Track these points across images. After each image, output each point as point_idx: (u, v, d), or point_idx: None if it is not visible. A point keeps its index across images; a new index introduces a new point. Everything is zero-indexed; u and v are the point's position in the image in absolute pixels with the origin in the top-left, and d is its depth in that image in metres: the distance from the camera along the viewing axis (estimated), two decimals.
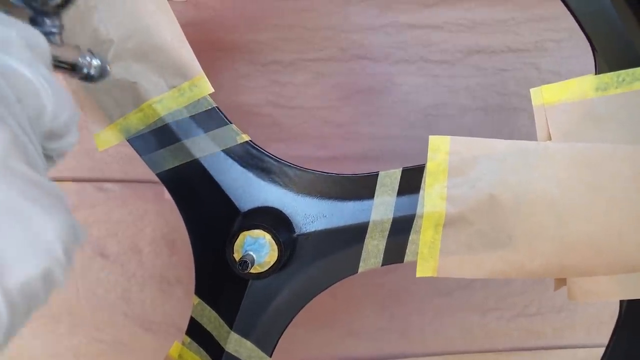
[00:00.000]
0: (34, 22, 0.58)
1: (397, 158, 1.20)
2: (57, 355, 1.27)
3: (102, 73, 0.63)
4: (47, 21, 0.58)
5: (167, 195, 1.21)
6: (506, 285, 1.27)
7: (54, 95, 0.44)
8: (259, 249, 0.77)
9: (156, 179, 1.18)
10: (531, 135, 1.16)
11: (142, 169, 1.22)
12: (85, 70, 0.62)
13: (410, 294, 1.28)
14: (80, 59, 0.61)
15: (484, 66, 1.19)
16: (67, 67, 0.60)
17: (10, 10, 0.65)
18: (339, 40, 1.18)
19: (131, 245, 1.25)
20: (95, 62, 0.62)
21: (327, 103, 1.20)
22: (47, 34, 0.58)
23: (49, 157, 0.48)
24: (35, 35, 0.46)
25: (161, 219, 1.24)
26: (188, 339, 0.87)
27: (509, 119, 1.20)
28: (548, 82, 1.13)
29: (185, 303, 1.26)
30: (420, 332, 1.30)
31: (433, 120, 1.20)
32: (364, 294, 1.27)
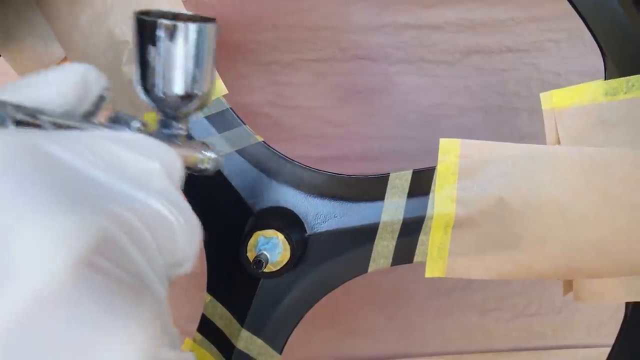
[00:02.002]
0: (162, 124, 0.59)
1: (397, 158, 1.21)
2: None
3: (217, 165, 0.64)
4: (175, 124, 0.60)
5: None
6: (506, 285, 1.28)
7: (187, 231, 0.43)
8: (272, 248, 0.78)
9: None
10: (531, 135, 1.17)
11: None
12: (200, 166, 0.63)
13: (410, 294, 1.28)
14: (198, 155, 0.62)
15: (484, 66, 1.19)
16: (186, 166, 0.58)
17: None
18: (339, 40, 1.18)
19: None
20: (210, 154, 0.63)
21: (327, 103, 1.20)
22: (173, 137, 0.59)
23: (169, 280, 0.46)
24: (174, 160, 0.46)
25: None
26: (199, 336, 0.87)
27: (509, 119, 1.20)
28: (548, 83, 1.14)
29: (186, 303, 1.26)
30: (419, 332, 1.30)
31: (433, 120, 1.20)
32: (364, 293, 1.27)
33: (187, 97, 0.57)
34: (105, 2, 0.77)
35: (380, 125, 1.21)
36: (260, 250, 0.78)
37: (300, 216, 0.81)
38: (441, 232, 0.78)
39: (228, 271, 0.84)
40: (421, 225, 0.78)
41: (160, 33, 0.54)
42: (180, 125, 0.60)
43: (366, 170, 1.08)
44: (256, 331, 0.84)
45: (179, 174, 0.46)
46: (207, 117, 0.81)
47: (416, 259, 0.80)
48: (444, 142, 0.77)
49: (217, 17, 1.07)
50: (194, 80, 0.57)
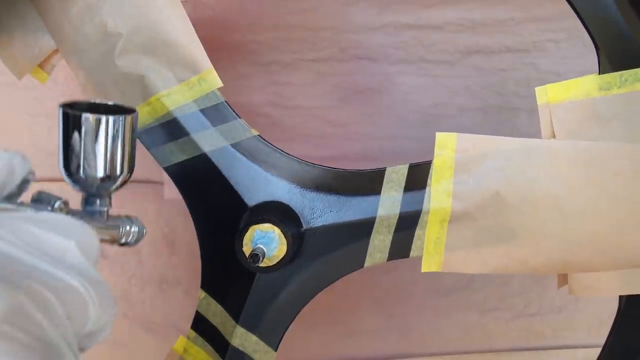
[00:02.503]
0: (86, 202, 0.63)
1: (397, 158, 1.20)
2: None
3: (139, 238, 0.68)
4: (99, 202, 0.64)
5: (166, 195, 1.21)
6: (506, 285, 1.27)
7: (99, 302, 0.46)
8: (268, 242, 0.77)
9: (156, 179, 1.19)
10: (530, 135, 1.16)
11: (142, 169, 1.21)
12: (123, 240, 0.66)
13: (410, 293, 1.28)
14: (121, 228, 0.65)
15: (484, 66, 1.19)
16: (108, 240, 0.64)
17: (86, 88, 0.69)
18: (339, 40, 1.18)
19: None
20: (134, 229, 0.67)
21: (327, 103, 1.20)
22: (95, 213, 0.63)
23: (82, 349, 0.49)
24: (90, 237, 0.49)
25: (161, 219, 1.24)
26: (193, 334, 0.87)
27: (509, 119, 1.20)
28: (547, 82, 1.14)
29: (186, 303, 1.26)
30: (419, 332, 1.30)
31: (433, 120, 1.20)
32: (363, 293, 1.27)
33: (107, 178, 0.62)
34: None
35: (380, 125, 1.21)
36: (256, 244, 0.78)
37: (296, 210, 0.81)
38: (437, 227, 0.77)
39: (223, 267, 0.84)
40: (417, 220, 0.78)
41: (84, 125, 0.60)
42: (102, 202, 0.64)
43: None
44: (251, 328, 0.83)
45: (95, 249, 0.49)
46: (202, 111, 0.81)
47: (412, 253, 0.79)
48: (440, 136, 0.77)
49: (217, 16, 1.08)
50: (114, 163, 0.63)
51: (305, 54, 1.18)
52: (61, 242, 0.45)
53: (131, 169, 0.66)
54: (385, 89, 1.20)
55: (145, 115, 0.81)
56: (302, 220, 0.81)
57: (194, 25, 0.81)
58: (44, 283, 0.42)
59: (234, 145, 0.81)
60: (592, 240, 0.75)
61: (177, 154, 0.82)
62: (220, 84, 0.80)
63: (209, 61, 0.80)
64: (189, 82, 0.80)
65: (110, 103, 0.64)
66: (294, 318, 0.84)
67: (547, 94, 0.77)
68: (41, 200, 0.54)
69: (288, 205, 0.81)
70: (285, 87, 1.19)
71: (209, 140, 0.81)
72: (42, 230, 0.45)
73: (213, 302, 0.85)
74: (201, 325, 0.87)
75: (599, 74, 0.75)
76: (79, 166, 0.61)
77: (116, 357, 1.29)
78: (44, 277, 0.42)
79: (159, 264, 1.25)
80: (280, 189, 0.81)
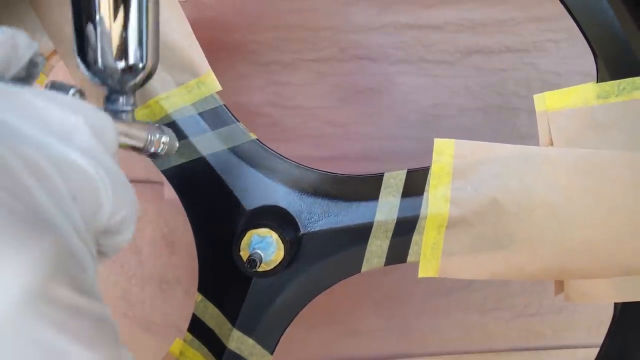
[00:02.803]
0: (108, 100, 0.59)
1: (397, 158, 1.21)
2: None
3: (170, 150, 0.64)
4: (121, 99, 0.59)
5: (166, 195, 1.21)
6: (506, 285, 1.27)
7: (113, 190, 0.42)
8: (266, 247, 0.77)
9: (156, 179, 1.19)
10: (530, 135, 1.17)
11: (142, 169, 1.22)
12: (152, 149, 0.62)
13: (410, 294, 1.28)
14: (150, 136, 0.61)
15: (484, 66, 1.19)
16: (133, 147, 0.60)
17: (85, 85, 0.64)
18: (339, 40, 1.18)
19: (131, 246, 1.25)
20: (165, 138, 0.63)
21: (327, 103, 1.20)
22: (120, 112, 0.59)
23: (102, 253, 0.46)
24: (103, 120, 0.45)
25: (161, 219, 1.24)
26: (190, 336, 0.87)
27: (508, 119, 1.20)
28: (547, 83, 1.14)
29: (185, 303, 1.26)
30: (419, 332, 1.30)
31: (433, 120, 1.20)
32: (363, 294, 1.27)
33: (130, 69, 0.57)
34: None
35: (380, 125, 1.21)
36: (254, 249, 0.78)
37: (294, 215, 0.81)
38: (435, 232, 0.77)
39: (219, 270, 0.84)
40: (415, 225, 0.78)
41: (99, 5, 0.54)
42: (127, 101, 0.59)
43: (366, 170, 1.08)
44: (248, 331, 0.84)
45: (111, 137, 0.45)
46: (200, 114, 0.81)
47: (410, 258, 0.79)
48: (438, 143, 0.77)
49: (217, 17, 1.08)
50: (136, 52, 0.57)
51: (305, 54, 1.18)
52: (69, 117, 0.41)
53: (156, 61, 0.61)
54: (385, 89, 1.20)
55: (143, 118, 0.81)
56: (299, 224, 0.81)
57: (194, 25, 0.81)
58: (44, 154, 0.37)
59: (232, 149, 0.81)
60: (588, 248, 0.75)
61: (176, 157, 0.82)
62: (219, 87, 0.80)
63: (208, 65, 0.80)
64: (187, 85, 0.80)
65: None
66: (291, 322, 0.84)
67: (546, 102, 0.77)
68: (56, 87, 0.47)
69: (286, 210, 0.81)
70: (285, 87, 1.19)
71: (208, 144, 0.81)
72: (47, 103, 0.40)
73: (210, 305, 0.85)
74: (198, 327, 0.87)
75: (597, 81, 0.76)
76: (95, 55, 0.55)
77: None
78: (44, 149, 0.38)
79: (159, 264, 1.25)
80: (279, 194, 0.81)
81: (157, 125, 0.63)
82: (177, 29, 0.79)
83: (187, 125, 0.81)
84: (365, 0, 1.16)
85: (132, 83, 0.59)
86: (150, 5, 0.57)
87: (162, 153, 0.63)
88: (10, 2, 0.82)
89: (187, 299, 1.26)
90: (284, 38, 1.17)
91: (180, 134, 0.80)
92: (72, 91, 0.48)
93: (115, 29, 0.55)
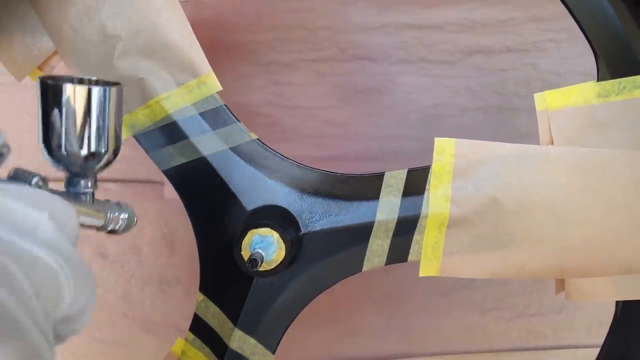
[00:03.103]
0: (69, 183, 0.60)
1: (397, 158, 1.20)
2: (56, 355, 1.26)
3: (129, 226, 0.65)
4: (83, 182, 0.61)
5: (166, 195, 1.21)
6: (506, 285, 1.27)
7: (75, 282, 0.43)
8: (267, 247, 0.77)
9: (156, 179, 1.19)
10: (530, 135, 1.17)
11: (142, 169, 1.22)
12: (111, 227, 0.63)
13: (410, 293, 1.28)
14: (109, 214, 0.62)
15: (484, 66, 1.19)
16: (93, 226, 0.61)
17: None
18: (339, 40, 1.18)
19: (131, 246, 1.25)
20: (123, 215, 0.64)
21: (327, 103, 1.20)
22: (80, 195, 0.60)
23: (59, 338, 0.45)
24: (66, 212, 0.46)
25: (161, 219, 1.24)
26: (191, 336, 0.87)
27: (509, 119, 1.20)
28: (548, 83, 1.14)
29: (185, 303, 1.26)
30: (419, 332, 1.30)
31: (433, 120, 1.20)
32: (364, 293, 1.27)
33: (91, 156, 0.59)
34: None
35: (380, 125, 1.21)
36: (254, 248, 0.78)
37: (295, 214, 0.81)
38: (435, 232, 0.77)
39: (221, 270, 0.84)
40: (416, 224, 0.78)
41: (65, 96, 0.56)
42: (88, 183, 0.61)
43: (366, 170, 1.07)
44: (249, 331, 0.84)
45: (73, 227, 0.46)
46: (201, 114, 0.81)
47: (410, 258, 0.79)
48: (439, 142, 0.77)
49: (216, 17, 1.08)
50: (98, 139, 0.59)
51: (305, 54, 1.18)
52: (33, 214, 0.42)
53: (117, 147, 0.63)
54: (386, 89, 1.20)
55: (144, 119, 0.81)
56: (300, 224, 0.81)
57: (194, 25, 0.81)
58: (8, 254, 0.38)
59: (233, 149, 0.81)
60: (588, 246, 0.75)
61: (176, 157, 0.82)
62: (219, 87, 0.80)
63: (208, 65, 0.80)
64: (188, 85, 0.80)
65: (93, 78, 0.61)
66: (292, 321, 0.85)
67: (546, 101, 0.77)
68: (18, 177, 0.50)
69: (287, 210, 0.81)
70: (285, 87, 1.19)
71: (208, 144, 0.81)
72: (12, 201, 0.41)
73: (211, 304, 0.85)
74: (199, 327, 0.87)
75: (598, 80, 0.76)
76: (60, 142, 0.58)
77: (116, 357, 1.29)
78: (9, 248, 0.39)
79: (159, 264, 1.25)
80: (279, 193, 0.82)
81: (115, 202, 0.64)
82: (177, 29, 0.79)
83: (187, 125, 0.81)
84: (365, 0, 1.16)
85: (94, 168, 0.61)
86: (112, 93, 0.60)
87: (120, 230, 0.65)
88: (10, 2, 0.82)
89: (187, 299, 1.26)
90: (283, 38, 1.17)
91: (181, 134, 0.81)
92: (34, 180, 0.50)
93: (79, 118, 0.57)
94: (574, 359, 1.30)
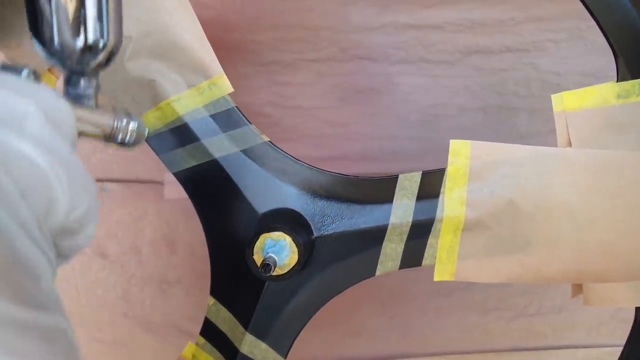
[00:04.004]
0: (68, 82, 0.55)
1: (398, 158, 1.20)
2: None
3: (139, 138, 0.60)
4: (83, 82, 0.55)
5: (166, 195, 1.20)
6: (506, 285, 1.27)
7: (71, 184, 0.39)
8: (279, 251, 0.77)
9: (156, 179, 1.19)
10: (530, 135, 1.17)
11: (142, 169, 1.22)
12: (119, 137, 0.58)
13: (411, 294, 1.28)
14: (116, 122, 0.57)
15: (484, 66, 1.19)
16: (97, 135, 0.56)
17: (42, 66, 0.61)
18: (339, 40, 1.18)
19: (131, 246, 1.24)
20: (133, 125, 0.58)
21: (327, 103, 1.20)
22: (81, 97, 0.55)
23: (62, 255, 0.43)
24: (58, 105, 0.42)
25: (161, 219, 1.24)
26: (202, 340, 0.87)
27: (508, 119, 1.20)
28: (547, 83, 1.14)
29: (185, 303, 1.26)
30: (420, 332, 1.30)
31: (433, 120, 1.20)
32: (364, 293, 1.27)
33: (89, 49, 0.53)
34: None
35: (380, 125, 1.20)
36: (267, 252, 0.77)
37: (307, 218, 0.81)
38: (450, 235, 0.77)
39: (233, 274, 0.84)
40: (430, 228, 0.77)
41: None
42: (89, 83, 0.55)
43: (367, 170, 1.08)
44: (260, 335, 0.83)
45: (68, 123, 0.42)
46: (212, 116, 0.80)
47: (425, 262, 0.79)
48: (454, 144, 0.76)
49: (216, 16, 1.07)
50: (95, 29, 0.53)
51: (305, 54, 1.18)
52: (19, 103, 0.38)
53: (118, 40, 0.57)
54: (386, 89, 1.19)
55: (154, 120, 0.80)
56: (313, 227, 0.80)
57: None
58: None
59: (244, 152, 0.81)
60: (606, 250, 0.75)
61: (187, 160, 0.81)
62: (231, 89, 0.80)
63: (219, 66, 0.80)
64: (199, 87, 0.79)
65: None
66: (304, 326, 0.84)
67: (564, 102, 0.76)
68: (7, 68, 0.44)
69: (299, 213, 0.81)
70: (286, 87, 1.19)
71: (220, 146, 0.80)
72: None
73: (222, 308, 0.85)
74: (210, 331, 0.86)
75: (617, 81, 0.75)
76: (51, 33, 0.51)
77: (116, 357, 1.28)
78: None
79: (159, 264, 1.25)
80: (291, 196, 0.81)
81: (124, 110, 0.59)
82: (188, 30, 0.79)
83: (198, 127, 0.80)
84: (365, 0, 1.15)
85: (93, 63, 0.55)
86: None
87: (131, 141, 0.59)
88: (20, 4, 0.82)
89: (188, 299, 1.26)
90: (284, 38, 1.17)
91: (192, 136, 0.80)
92: (25, 72, 0.45)
93: (72, 2, 0.52)
94: (574, 359, 1.30)
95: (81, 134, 0.52)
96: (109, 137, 0.57)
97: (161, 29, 0.77)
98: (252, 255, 0.78)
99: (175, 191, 1.20)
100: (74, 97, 0.55)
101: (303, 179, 0.81)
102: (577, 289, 0.82)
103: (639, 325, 0.83)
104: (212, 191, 0.82)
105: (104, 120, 0.56)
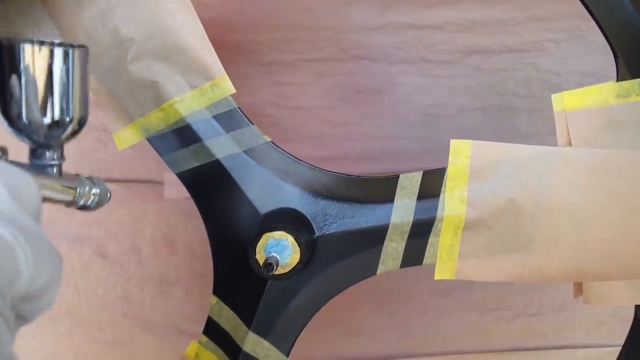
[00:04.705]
0: (34, 154, 0.57)
1: (398, 158, 1.20)
2: (56, 356, 1.26)
3: (102, 201, 0.62)
4: (48, 154, 0.57)
5: (166, 195, 1.21)
6: (506, 285, 1.28)
7: (34, 255, 0.40)
8: (281, 250, 0.77)
9: (156, 179, 1.19)
10: (530, 135, 1.17)
11: (142, 169, 1.22)
12: (81, 203, 0.60)
13: (410, 293, 1.28)
14: (79, 189, 0.59)
15: (484, 66, 1.19)
16: (62, 201, 0.58)
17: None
18: (339, 40, 1.18)
19: (131, 246, 1.24)
20: (95, 190, 0.61)
21: (328, 103, 1.20)
22: (45, 167, 0.57)
23: (23, 317, 0.43)
24: (23, 181, 0.43)
25: (161, 219, 1.24)
26: (205, 338, 0.87)
27: (508, 118, 1.20)
28: (547, 82, 1.15)
29: (185, 303, 1.26)
30: (419, 331, 1.30)
31: (433, 120, 1.20)
32: (364, 293, 1.27)
33: (55, 124, 0.55)
34: (109, 0, 0.77)
35: (380, 125, 1.21)
36: (269, 252, 0.77)
37: (309, 217, 0.81)
38: (451, 234, 0.77)
39: (235, 273, 0.84)
40: (431, 227, 0.78)
41: (23, 57, 0.52)
42: (54, 155, 0.57)
43: (367, 170, 1.08)
44: (263, 333, 0.84)
45: (34, 199, 0.43)
46: (215, 117, 0.81)
47: (426, 260, 0.79)
48: (454, 143, 0.77)
49: (217, 17, 1.08)
50: (62, 107, 0.55)
51: (305, 54, 1.18)
52: None
53: (84, 115, 0.59)
54: (386, 88, 1.20)
55: (157, 122, 0.81)
56: (314, 227, 0.81)
57: None
58: None
59: (246, 152, 0.81)
60: (607, 249, 0.75)
61: (190, 160, 0.82)
62: (233, 90, 0.80)
63: (222, 67, 0.80)
64: (201, 88, 0.80)
65: (56, 41, 0.56)
66: (306, 324, 0.85)
67: (564, 101, 0.76)
68: None
69: (301, 212, 0.81)
70: (286, 88, 1.19)
71: (222, 147, 0.81)
72: None
73: (225, 307, 0.85)
74: (213, 330, 0.86)
75: (617, 81, 0.75)
76: (20, 110, 0.53)
77: (116, 357, 1.28)
78: None
79: (159, 264, 1.25)
80: (293, 196, 0.81)
81: (87, 177, 0.61)
82: (190, 32, 0.79)
83: (201, 128, 0.80)
84: (365, 0, 1.16)
85: (60, 138, 0.57)
86: (77, 56, 0.57)
87: (93, 205, 0.61)
88: (24, 7, 0.82)
89: (187, 299, 1.26)
90: (284, 38, 1.17)
91: (194, 137, 0.80)
92: None
93: (40, 82, 0.54)
94: (574, 359, 1.30)
95: (45, 200, 0.54)
96: (71, 203, 0.59)
97: (164, 31, 0.78)
98: (255, 254, 0.78)
99: (175, 191, 1.20)
100: (39, 167, 0.57)
101: (305, 178, 0.82)
102: (579, 289, 0.83)
103: (638, 323, 0.83)
104: (214, 191, 0.82)
105: (67, 188, 0.58)
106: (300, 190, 0.81)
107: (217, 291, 0.85)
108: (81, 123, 0.58)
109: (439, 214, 0.77)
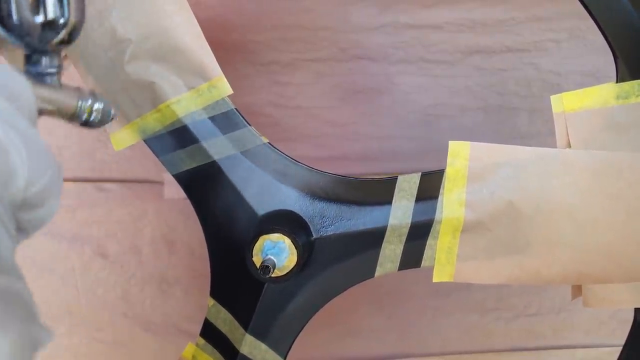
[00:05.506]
0: (29, 60, 0.53)
1: (397, 158, 1.20)
2: (56, 356, 1.26)
3: (104, 118, 0.57)
4: (44, 60, 0.54)
5: (166, 195, 1.20)
6: (505, 286, 1.27)
7: (30, 157, 0.39)
8: (278, 253, 0.77)
9: (155, 179, 1.19)
10: (530, 135, 1.17)
11: (141, 169, 1.22)
12: (84, 117, 0.56)
13: (409, 294, 1.28)
14: (80, 102, 0.55)
15: (484, 66, 1.19)
16: (61, 114, 0.54)
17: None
18: (339, 40, 1.18)
19: (130, 246, 1.24)
20: (98, 105, 0.56)
21: (327, 103, 1.20)
22: (43, 75, 0.54)
23: (23, 229, 0.42)
24: (17, 80, 0.41)
25: (161, 219, 1.24)
26: (202, 341, 0.87)
27: (509, 118, 1.20)
28: (548, 82, 1.14)
29: (185, 303, 1.26)
30: (419, 332, 1.30)
31: (433, 120, 1.20)
32: (363, 293, 1.27)
33: (50, 24, 0.52)
34: (106, 0, 0.77)
35: (380, 125, 1.20)
36: (266, 254, 0.77)
37: (306, 219, 0.80)
38: (449, 237, 0.77)
39: (232, 275, 0.84)
40: (429, 229, 0.77)
41: None
42: (50, 62, 0.54)
43: (367, 170, 1.08)
44: (260, 336, 0.83)
45: (26, 98, 0.42)
46: (211, 118, 0.80)
47: (424, 263, 0.79)
48: (453, 145, 0.76)
49: (216, 17, 1.07)
50: (55, 5, 0.51)
51: (305, 54, 1.18)
52: None
53: (80, 19, 0.55)
54: (386, 88, 1.19)
55: (154, 123, 0.80)
56: (312, 229, 0.80)
57: None
58: None
59: (244, 153, 0.81)
60: (606, 251, 0.74)
61: (187, 161, 0.81)
62: (230, 91, 0.80)
63: (219, 68, 0.80)
64: (198, 89, 0.79)
65: None
66: (304, 327, 0.84)
67: (563, 102, 0.76)
68: None
69: (298, 214, 0.81)
70: (286, 87, 1.19)
71: (219, 148, 0.80)
72: None
73: (222, 310, 0.85)
74: (210, 332, 0.86)
75: (617, 82, 0.75)
76: (9, 7, 0.49)
77: (116, 357, 1.28)
78: None
79: (159, 264, 1.25)
80: (290, 198, 0.81)
81: (89, 90, 0.57)
82: (187, 32, 0.79)
83: (198, 129, 0.80)
84: (364, 0, 1.15)
85: (55, 41, 0.53)
86: None
87: (96, 121, 0.57)
88: None
89: (187, 299, 1.26)
90: (283, 38, 1.17)
91: (191, 138, 0.80)
92: None
93: None
94: (574, 359, 1.30)
95: (43, 112, 0.51)
96: (73, 117, 0.55)
97: (161, 32, 0.77)
98: (252, 257, 0.78)
99: (174, 191, 1.20)
100: (35, 75, 0.53)
101: (302, 180, 0.81)
102: (577, 291, 0.82)
103: (638, 325, 0.83)
104: (211, 193, 0.82)
105: (67, 99, 0.54)
106: (297, 191, 0.81)
107: (214, 293, 0.85)
108: (78, 25, 0.55)
109: (437, 216, 0.77)
